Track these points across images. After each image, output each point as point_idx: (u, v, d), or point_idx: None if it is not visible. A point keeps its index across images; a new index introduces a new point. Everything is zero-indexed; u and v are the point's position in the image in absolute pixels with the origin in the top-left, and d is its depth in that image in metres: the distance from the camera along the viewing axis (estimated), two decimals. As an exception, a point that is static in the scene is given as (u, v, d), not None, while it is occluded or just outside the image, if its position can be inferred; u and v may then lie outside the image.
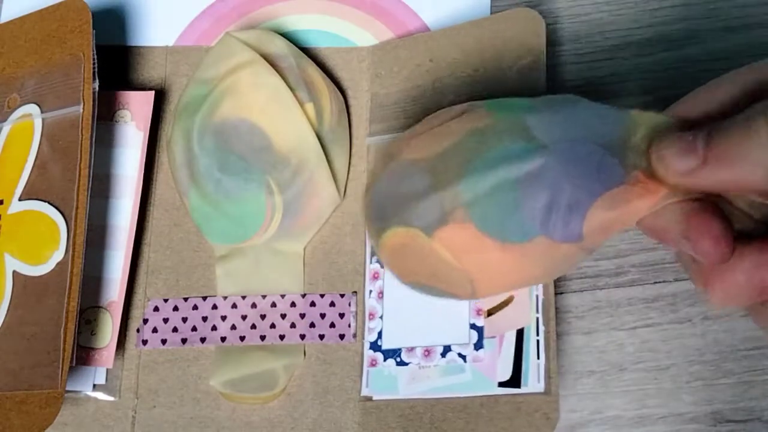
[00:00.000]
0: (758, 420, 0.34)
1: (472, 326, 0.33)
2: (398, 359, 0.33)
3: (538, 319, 0.32)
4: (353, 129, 0.38)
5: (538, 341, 0.32)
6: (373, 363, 0.34)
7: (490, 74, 0.36)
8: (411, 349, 0.33)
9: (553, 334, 0.32)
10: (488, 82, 0.36)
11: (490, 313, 0.33)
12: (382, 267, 0.35)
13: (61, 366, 0.32)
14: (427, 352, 0.33)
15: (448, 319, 0.33)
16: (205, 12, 0.39)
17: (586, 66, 0.39)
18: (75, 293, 0.32)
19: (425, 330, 0.33)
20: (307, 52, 0.38)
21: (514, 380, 0.32)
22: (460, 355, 0.33)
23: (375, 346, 0.34)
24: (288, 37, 0.38)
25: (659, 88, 0.39)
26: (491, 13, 0.39)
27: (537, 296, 0.33)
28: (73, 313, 0.32)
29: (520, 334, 0.32)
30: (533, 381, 0.32)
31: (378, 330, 0.34)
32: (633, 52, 0.39)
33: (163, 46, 0.39)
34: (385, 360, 0.33)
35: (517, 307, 0.33)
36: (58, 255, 0.33)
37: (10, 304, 0.34)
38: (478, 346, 0.33)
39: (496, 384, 0.32)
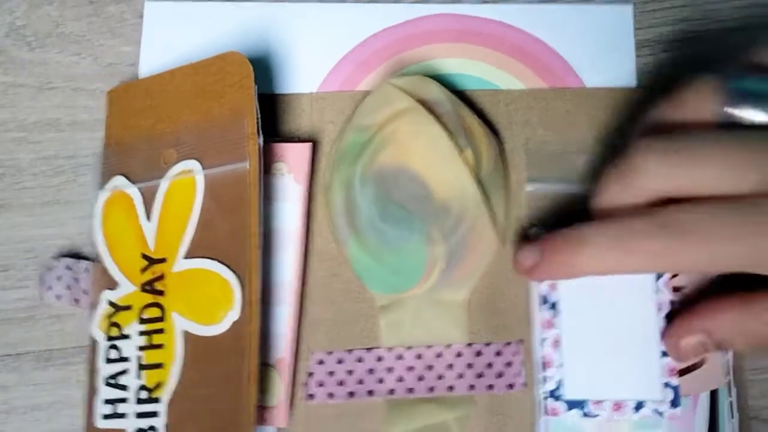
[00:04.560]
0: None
1: (666, 384, 0.33)
2: (585, 411, 0.33)
3: (729, 381, 0.34)
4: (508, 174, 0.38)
5: (731, 402, 0.34)
6: (554, 412, 0.34)
7: None
8: (599, 402, 0.33)
9: (745, 393, 0.34)
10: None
11: (681, 373, 0.34)
12: (554, 316, 0.35)
13: (245, 429, 0.31)
14: (617, 406, 0.33)
15: (639, 374, 0.33)
16: (347, 57, 0.39)
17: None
18: (255, 353, 0.32)
19: (613, 383, 0.33)
20: (456, 95, 0.38)
21: None
22: (656, 411, 0.33)
23: (555, 396, 0.34)
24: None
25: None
26: (637, 57, 0.39)
27: (728, 361, 0.34)
28: (254, 374, 0.31)
29: (713, 393, 0.34)
30: None
31: (557, 379, 0.34)
32: (632, 53, 0.39)
33: (308, 93, 0.38)
34: (568, 410, 0.33)
35: (708, 370, 0.34)
36: (233, 314, 0.32)
37: (183, 366, 0.33)
38: (675, 403, 0.33)
39: None
